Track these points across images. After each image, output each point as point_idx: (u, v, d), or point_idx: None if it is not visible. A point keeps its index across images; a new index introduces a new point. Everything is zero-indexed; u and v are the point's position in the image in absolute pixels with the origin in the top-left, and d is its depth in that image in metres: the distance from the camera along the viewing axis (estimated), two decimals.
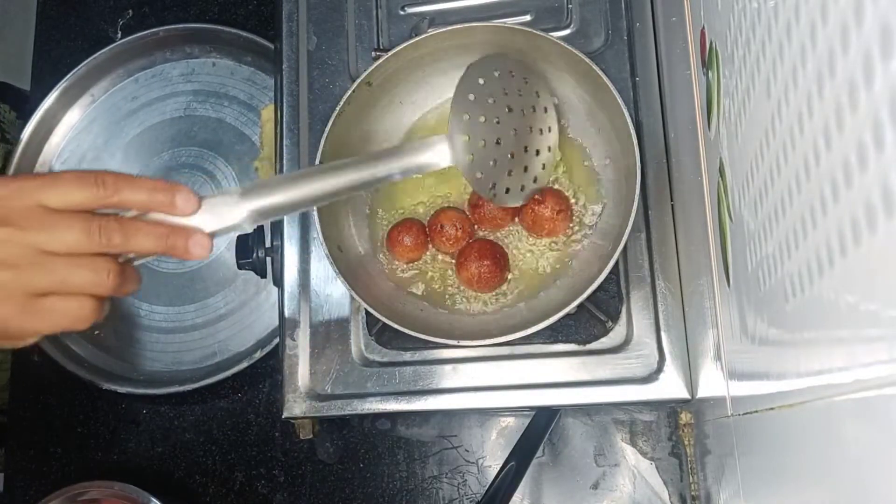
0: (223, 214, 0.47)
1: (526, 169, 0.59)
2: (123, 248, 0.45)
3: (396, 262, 0.67)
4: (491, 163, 0.56)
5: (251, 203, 0.47)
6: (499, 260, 0.63)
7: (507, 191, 0.58)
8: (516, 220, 0.66)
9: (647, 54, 0.68)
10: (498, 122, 0.57)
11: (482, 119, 0.56)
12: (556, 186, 0.66)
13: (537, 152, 0.60)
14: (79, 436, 0.83)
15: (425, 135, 0.68)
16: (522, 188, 0.59)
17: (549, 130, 0.61)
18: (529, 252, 0.66)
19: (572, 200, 0.65)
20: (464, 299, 0.66)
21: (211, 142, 0.89)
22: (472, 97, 0.56)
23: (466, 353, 0.65)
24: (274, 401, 0.80)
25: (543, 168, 0.61)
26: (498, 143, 0.57)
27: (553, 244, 0.65)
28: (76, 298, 0.44)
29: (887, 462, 0.25)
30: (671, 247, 0.64)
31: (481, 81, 0.57)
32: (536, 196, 0.62)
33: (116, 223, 0.44)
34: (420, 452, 0.76)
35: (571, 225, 0.65)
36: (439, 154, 0.54)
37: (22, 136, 0.89)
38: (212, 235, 0.47)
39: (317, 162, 0.64)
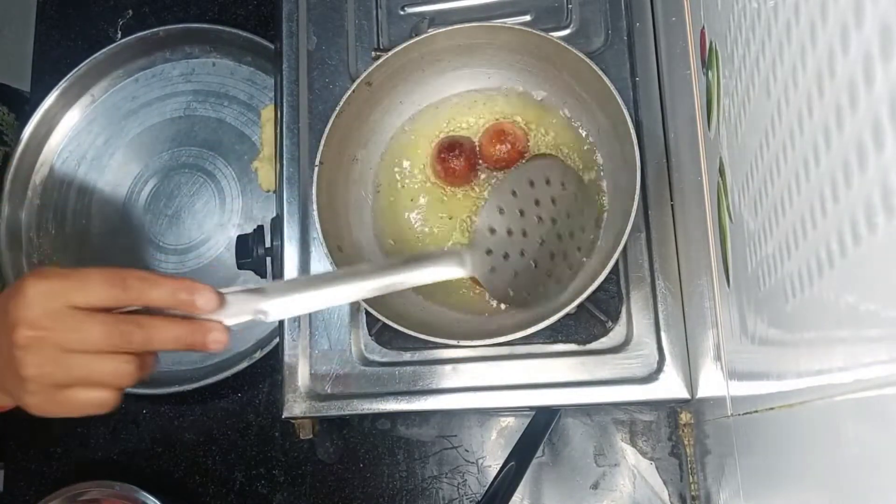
0: (243, 310, 0.49)
1: (548, 274, 0.59)
2: (143, 347, 0.47)
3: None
4: (513, 274, 0.56)
5: (272, 302, 0.49)
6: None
7: (526, 299, 0.58)
8: None
9: (647, 54, 0.68)
10: (525, 235, 0.57)
11: (508, 233, 0.56)
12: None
13: (564, 256, 0.59)
14: (79, 436, 0.83)
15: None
16: (540, 290, 0.58)
17: (583, 231, 0.60)
18: None
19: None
20: (470, 293, 0.66)
21: (211, 142, 0.89)
22: (501, 210, 0.56)
23: (466, 353, 0.65)
24: (274, 401, 0.80)
25: (570, 269, 0.60)
26: (522, 254, 0.57)
27: None
28: (98, 389, 0.47)
29: (887, 462, 0.25)
30: (671, 247, 0.64)
31: (514, 193, 0.56)
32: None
33: (136, 325, 0.46)
34: (420, 452, 0.76)
35: None
36: (459, 266, 0.55)
37: (22, 137, 0.89)
38: (229, 327, 0.49)
39: (317, 160, 0.64)
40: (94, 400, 0.47)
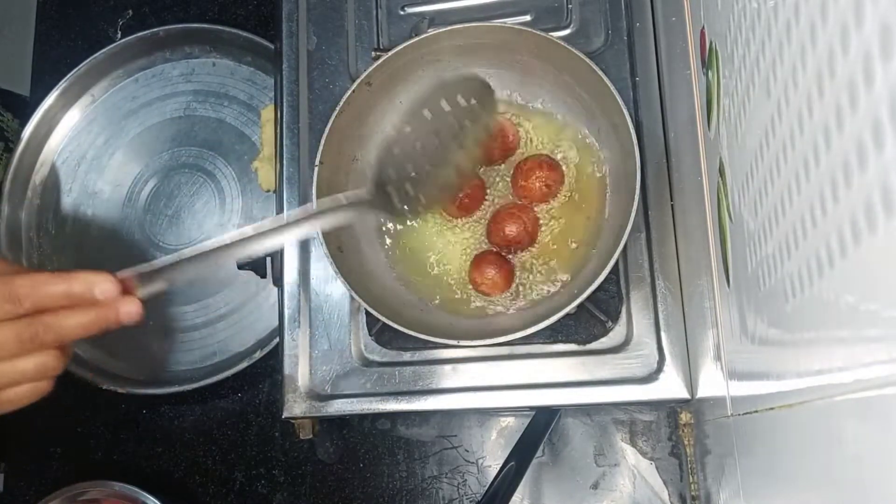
0: (154, 282, 0.50)
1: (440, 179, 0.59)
2: (59, 341, 0.47)
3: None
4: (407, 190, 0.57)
5: (174, 273, 0.50)
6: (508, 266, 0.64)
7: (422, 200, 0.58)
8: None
9: (647, 54, 0.68)
10: (426, 168, 0.57)
11: (409, 169, 0.57)
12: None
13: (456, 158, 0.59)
14: (79, 436, 0.83)
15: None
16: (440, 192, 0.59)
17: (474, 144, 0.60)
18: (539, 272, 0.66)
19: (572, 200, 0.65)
20: (474, 298, 0.66)
21: (211, 142, 0.89)
22: (395, 153, 0.57)
23: (466, 353, 0.65)
24: (274, 401, 0.80)
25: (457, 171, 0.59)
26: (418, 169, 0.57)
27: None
28: (27, 385, 0.48)
29: (887, 462, 0.25)
30: (671, 247, 0.64)
31: (408, 129, 0.56)
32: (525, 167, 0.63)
33: (43, 326, 0.46)
34: (420, 452, 0.76)
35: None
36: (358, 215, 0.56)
37: (22, 137, 0.89)
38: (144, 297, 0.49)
39: (317, 160, 0.64)
40: (26, 394, 0.48)
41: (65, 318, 0.47)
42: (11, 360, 0.46)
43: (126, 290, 0.49)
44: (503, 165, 0.68)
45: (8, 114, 0.96)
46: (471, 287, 0.65)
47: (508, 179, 0.67)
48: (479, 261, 0.64)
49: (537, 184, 0.64)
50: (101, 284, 0.47)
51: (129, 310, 0.49)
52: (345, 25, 0.74)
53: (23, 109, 0.96)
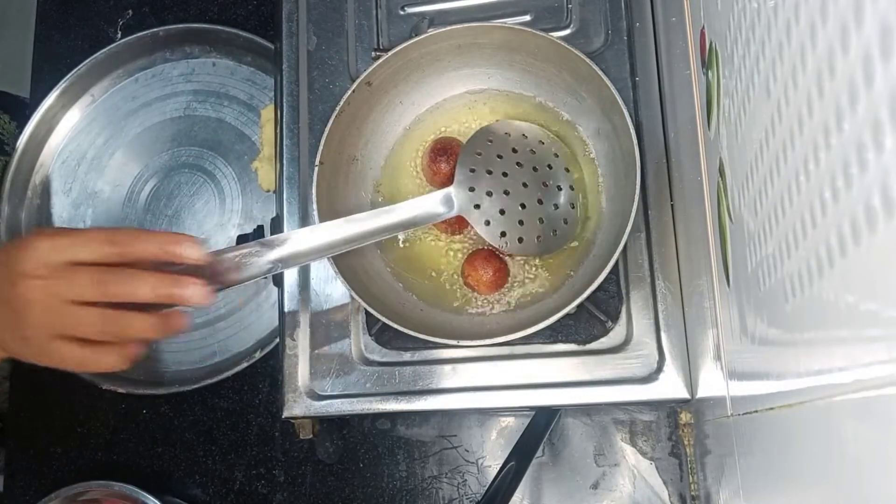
0: (248, 266, 0.54)
1: (541, 220, 0.61)
2: (124, 297, 0.51)
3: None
4: (499, 212, 0.60)
5: (272, 254, 0.55)
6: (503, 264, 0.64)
7: (521, 240, 0.60)
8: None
9: (647, 54, 0.68)
10: (506, 175, 0.60)
11: (488, 173, 0.59)
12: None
13: (555, 206, 0.62)
14: (79, 436, 0.83)
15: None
16: (538, 238, 0.61)
17: (571, 188, 0.64)
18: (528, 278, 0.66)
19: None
20: (470, 298, 0.66)
21: (211, 142, 0.89)
22: (478, 153, 0.60)
23: (466, 353, 0.65)
24: (274, 401, 0.80)
25: (566, 223, 0.63)
26: (506, 193, 0.60)
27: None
28: (90, 348, 0.52)
29: (887, 462, 0.25)
30: (671, 247, 0.64)
31: (490, 141, 0.61)
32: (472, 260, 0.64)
33: (114, 276, 0.51)
34: (420, 452, 0.76)
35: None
36: (445, 204, 0.60)
37: (21, 137, 0.89)
38: (220, 287, 0.54)
39: (317, 160, 0.64)
40: (78, 357, 0.52)
41: (136, 278, 0.51)
42: (91, 311, 0.51)
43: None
44: None
45: (5, 115, 0.96)
46: (464, 286, 0.65)
47: None
48: (472, 258, 0.64)
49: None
50: (187, 243, 0.52)
51: (196, 291, 0.52)
52: (345, 25, 0.74)
53: (21, 111, 0.96)
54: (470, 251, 0.66)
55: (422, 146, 0.69)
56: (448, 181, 0.66)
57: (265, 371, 0.81)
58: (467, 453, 0.75)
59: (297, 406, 0.66)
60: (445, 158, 0.66)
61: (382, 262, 0.68)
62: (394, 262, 0.67)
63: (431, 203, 0.60)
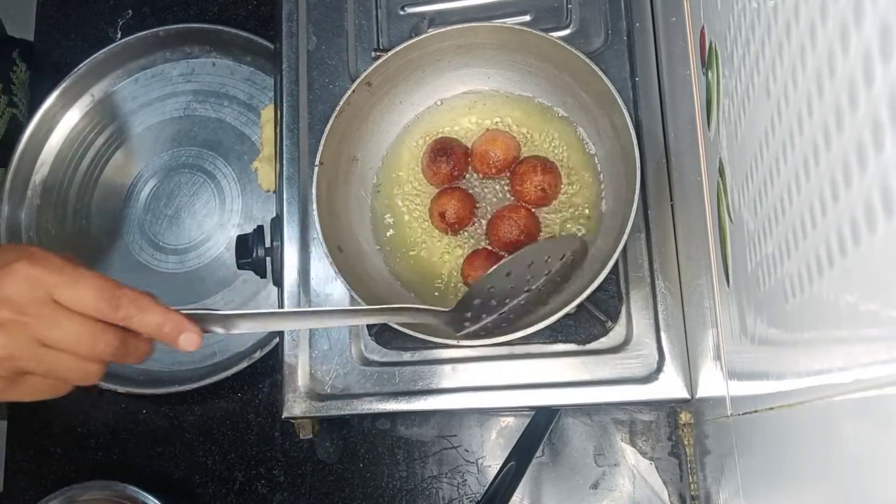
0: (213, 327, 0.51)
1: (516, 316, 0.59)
2: (119, 360, 0.48)
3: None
4: (482, 325, 0.58)
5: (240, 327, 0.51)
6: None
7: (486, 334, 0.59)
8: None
9: (647, 54, 0.68)
10: (506, 303, 0.58)
11: (489, 298, 0.57)
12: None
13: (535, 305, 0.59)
14: (79, 436, 0.83)
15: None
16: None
17: (566, 280, 0.60)
18: None
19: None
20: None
21: (211, 142, 0.89)
22: (491, 287, 0.57)
23: (466, 353, 0.65)
24: (274, 401, 0.80)
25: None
26: (500, 309, 0.58)
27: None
28: (58, 381, 0.49)
29: (887, 462, 0.25)
30: (671, 247, 0.64)
31: (510, 273, 0.56)
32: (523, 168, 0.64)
33: (118, 341, 0.47)
34: (420, 452, 0.76)
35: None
36: (435, 321, 0.57)
37: (22, 137, 0.89)
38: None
39: (317, 160, 0.64)
40: (50, 389, 0.49)
41: (132, 343, 0.48)
42: (64, 354, 0.46)
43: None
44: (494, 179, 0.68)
45: (22, 64, 0.95)
46: (462, 285, 0.65)
47: (504, 191, 0.67)
48: (472, 257, 0.64)
49: (533, 189, 0.64)
50: (189, 335, 0.48)
51: (190, 339, 0.49)
52: (345, 25, 0.74)
53: (32, 58, 0.96)
54: (470, 250, 0.66)
55: (422, 146, 0.69)
56: (447, 181, 0.66)
57: (265, 371, 0.81)
58: (467, 453, 0.75)
59: (297, 406, 0.66)
60: (445, 159, 0.66)
61: (383, 263, 0.68)
62: (394, 262, 0.67)
63: (420, 317, 0.57)
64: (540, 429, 0.67)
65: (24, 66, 0.96)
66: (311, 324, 0.63)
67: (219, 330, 0.50)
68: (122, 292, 0.47)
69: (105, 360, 0.47)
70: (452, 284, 0.66)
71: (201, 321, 0.49)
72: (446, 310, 0.57)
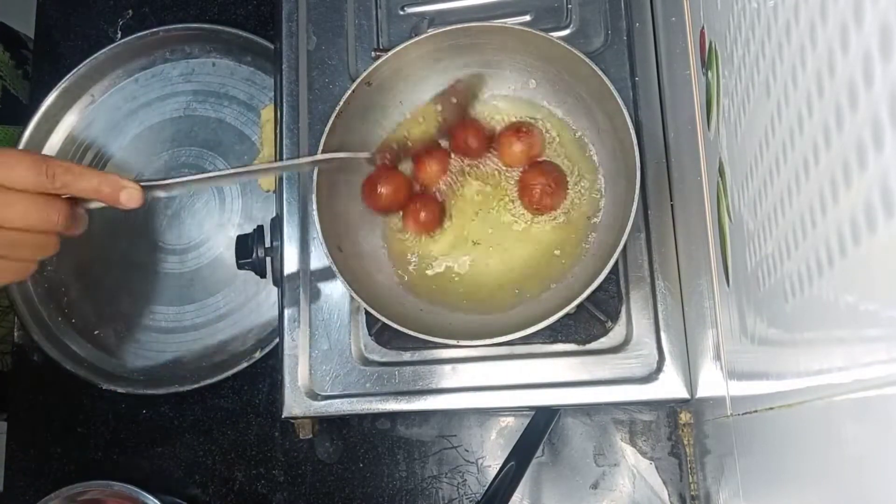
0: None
1: None
2: (64, 227, 0.51)
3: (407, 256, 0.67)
4: None
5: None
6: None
7: None
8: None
9: (647, 54, 0.68)
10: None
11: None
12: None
13: None
14: (79, 436, 0.83)
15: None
16: None
17: None
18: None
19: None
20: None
21: (211, 142, 0.89)
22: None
23: (466, 353, 0.65)
24: (274, 401, 0.80)
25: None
26: None
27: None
28: (15, 261, 0.51)
29: (887, 462, 0.25)
30: (671, 247, 0.64)
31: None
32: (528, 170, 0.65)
33: (57, 207, 0.50)
34: (420, 452, 0.76)
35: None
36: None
37: (22, 137, 0.89)
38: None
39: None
40: (16, 271, 0.51)
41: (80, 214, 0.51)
42: (16, 232, 0.49)
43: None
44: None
45: (6, 54, 0.95)
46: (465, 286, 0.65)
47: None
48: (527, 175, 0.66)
49: (518, 148, 0.65)
50: (129, 190, 0.52)
51: (132, 195, 0.52)
52: (345, 25, 0.74)
53: (19, 50, 0.96)
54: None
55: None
56: (433, 180, 0.67)
57: (265, 371, 0.81)
58: (467, 453, 0.75)
59: (297, 406, 0.66)
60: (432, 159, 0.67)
61: (382, 262, 0.68)
62: (394, 262, 0.67)
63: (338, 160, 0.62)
64: (540, 429, 0.67)
65: (8, 56, 0.96)
66: (243, 178, 0.70)
67: (160, 193, 0.55)
68: (54, 163, 0.50)
69: (58, 229, 0.50)
70: (454, 284, 0.66)
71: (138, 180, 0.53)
72: (367, 153, 0.63)
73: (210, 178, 0.59)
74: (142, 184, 0.53)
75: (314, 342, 0.67)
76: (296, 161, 0.66)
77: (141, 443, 0.82)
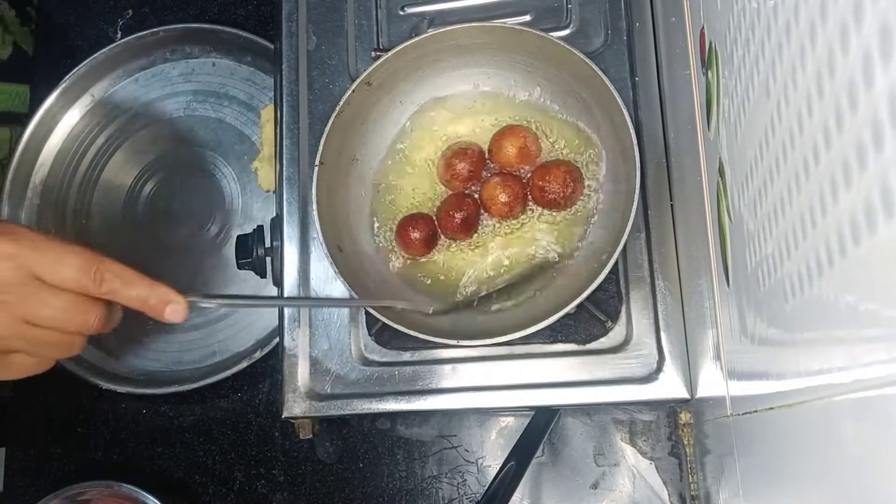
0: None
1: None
2: (99, 331, 0.47)
3: (402, 257, 0.67)
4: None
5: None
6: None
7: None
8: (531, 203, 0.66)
9: (647, 54, 0.68)
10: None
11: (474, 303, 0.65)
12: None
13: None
14: (79, 436, 0.83)
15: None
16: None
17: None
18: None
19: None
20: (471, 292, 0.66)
21: (211, 142, 0.89)
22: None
23: (466, 353, 0.65)
24: (274, 401, 0.80)
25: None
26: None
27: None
28: (39, 358, 0.48)
29: (887, 462, 0.25)
30: (671, 247, 0.64)
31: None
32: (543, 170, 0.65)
33: (97, 310, 0.47)
34: (420, 452, 0.76)
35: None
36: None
37: (22, 137, 0.89)
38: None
39: (317, 160, 0.64)
40: (36, 365, 0.48)
41: (116, 312, 0.48)
42: (47, 331, 0.46)
43: None
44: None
45: (11, 10, 0.94)
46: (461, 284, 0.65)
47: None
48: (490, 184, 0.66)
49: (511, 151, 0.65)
50: (175, 305, 0.48)
51: (176, 310, 0.49)
52: (345, 25, 0.74)
53: (32, 68, 0.96)
54: (473, 248, 0.66)
55: (421, 146, 0.69)
56: (465, 183, 0.66)
57: (265, 371, 0.81)
58: (467, 453, 0.75)
59: (297, 406, 0.66)
60: (464, 160, 0.66)
61: (382, 263, 0.68)
62: (394, 262, 0.67)
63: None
64: (540, 429, 0.67)
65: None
66: (291, 305, 0.67)
67: (203, 303, 0.52)
68: (105, 266, 0.46)
69: (91, 333, 0.47)
70: (452, 282, 0.66)
71: (186, 294, 0.49)
72: (430, 310, 0.63)
73: (258, 304, 0.57)
74: (189, 299, 0.49)
75: (314, 342, 0.67)
76: (355, 302, 0.64)
77: (141, 443, 0.82)
